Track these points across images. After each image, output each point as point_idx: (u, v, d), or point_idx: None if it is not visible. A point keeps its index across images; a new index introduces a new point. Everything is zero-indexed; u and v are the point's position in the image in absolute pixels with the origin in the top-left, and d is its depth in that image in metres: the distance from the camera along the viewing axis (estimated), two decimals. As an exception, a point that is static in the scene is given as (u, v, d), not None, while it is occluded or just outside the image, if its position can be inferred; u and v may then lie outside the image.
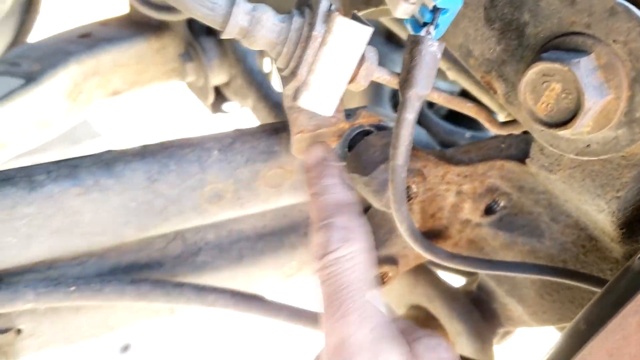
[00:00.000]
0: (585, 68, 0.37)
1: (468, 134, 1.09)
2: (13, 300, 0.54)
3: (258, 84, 1.04)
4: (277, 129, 0.59)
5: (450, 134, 1.09)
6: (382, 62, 0.45)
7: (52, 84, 1.02)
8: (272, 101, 1.04)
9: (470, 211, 0.65)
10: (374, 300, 0.46)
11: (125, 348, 1.81)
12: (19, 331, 0.60)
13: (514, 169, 0.59)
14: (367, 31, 0.40)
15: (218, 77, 1.11)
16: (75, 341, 0.64)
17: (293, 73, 0.41)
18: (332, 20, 0.39)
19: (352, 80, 0.43)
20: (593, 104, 0.37)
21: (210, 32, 1.11)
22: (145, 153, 0.53)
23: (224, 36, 0.40)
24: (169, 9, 1.03)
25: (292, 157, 0.57)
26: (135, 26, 1.17)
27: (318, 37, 0.39)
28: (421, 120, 1.12)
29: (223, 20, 0.39)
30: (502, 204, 0.64)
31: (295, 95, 0.42)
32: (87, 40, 1.11)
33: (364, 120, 0.56)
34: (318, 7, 0.39)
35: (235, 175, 0.57)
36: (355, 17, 0.41)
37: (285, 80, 0.43)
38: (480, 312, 0.76)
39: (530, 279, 0.68)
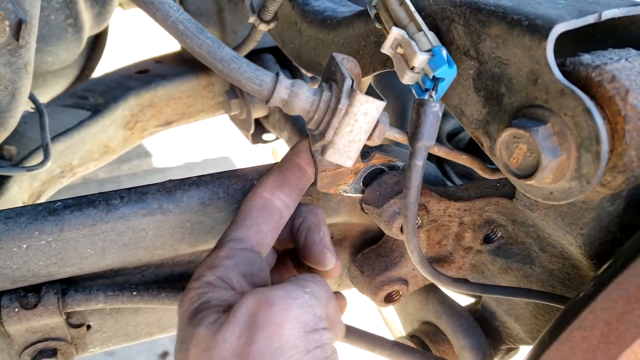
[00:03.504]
0: (542, 134, 0.47)
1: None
2: (87, 301, 0.67)
3: (294, 119, 1.16)
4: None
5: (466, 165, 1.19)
6: (405, 97, 0.56)
7: (114, 115, 1.17)
8: (304, 135, 1.16)
9: (471, 240, 0.75)
10: None
11: (164, 355, 1.93)
12: (88, 327, 0.72)
13: (507, 205, 0.70)
14: (381, 105, 0.51)
15: (259, 111, 1.24)
16: (133, 339, 0.76)
17: (321, 134, 0.53)
18: (354, 96, 0.50)
19: (369, 139, 0.54)
20: (549, 162, 0.47)
21: (253, 71, 1.24)
22: (200, 183, 0.66)
23: (268, 105, 0.52)
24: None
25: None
26: (186, 64, 1.31)
27: (342, 109, 0.51)
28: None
29: (268, 94, 0.51)
30: (499, 234, 0.74)
31: (323, 151, 0.53)
32: (145, 76, 1.26)
33: (377, 161, 0.67)
34: (343, 85, 0.51)
35: None
36: (371, 92, 0.53)
37: (314, 138, 0.55)
38: (483, 329, 0.86)
39: (525, 300, 0.77)
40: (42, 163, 0.83)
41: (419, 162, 0.55)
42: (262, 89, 0.51)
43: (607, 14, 0.49)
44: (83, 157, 1.12)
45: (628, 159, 0.47)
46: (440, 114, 0.54)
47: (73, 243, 0.61)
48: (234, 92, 1.24)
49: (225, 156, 2.61)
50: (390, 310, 1.85)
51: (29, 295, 0.63)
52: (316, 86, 0.56)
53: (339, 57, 0.58)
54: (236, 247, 0.55)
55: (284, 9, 0.96)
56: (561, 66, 0.49)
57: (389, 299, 0.77)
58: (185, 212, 0.65)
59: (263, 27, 0.95)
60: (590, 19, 0.49)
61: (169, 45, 1.49)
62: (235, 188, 0.66)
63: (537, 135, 0.48)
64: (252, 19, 0.95)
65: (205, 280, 0.51)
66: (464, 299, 0.97)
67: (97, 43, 1.35)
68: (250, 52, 1.09)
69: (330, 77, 0.55)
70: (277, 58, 1.25)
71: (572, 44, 0.55)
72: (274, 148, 2.57)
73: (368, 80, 1.10)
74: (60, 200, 0.62)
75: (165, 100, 1.27)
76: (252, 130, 1.26)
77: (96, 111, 1.14)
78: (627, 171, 0.47)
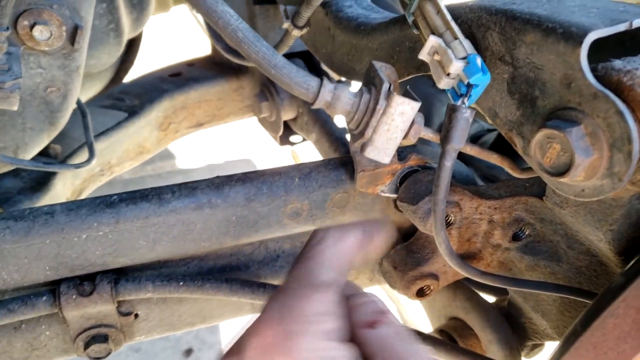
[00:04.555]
0: (576, 135, 0.51)
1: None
2: (137, 290, 0.71)
3: (322, 121, 1.20)
4: (344, 162, 0.75)
5: (490, 168, 1.22)
6: (430, 101, 0.60)
7: (149, 117, 1.21)
8: (333, 136, 1.20)
9: (500, 237, 0.78)
10: None
11: (188, 352, 1.98)
12: (136, 315, 0.77)
13: (535, 203, 0.73)
14: (416, 105, 0.55)
15: (288, 113, 1.28)
16: (176, 328, 0.80)
17: (361, 133, 0.56)
18: (391, 98, 0.54)
19: (405, 138, 0.58)
20: (582, 161, 0.51)
21: (282, 75, 1.28)
22: (245, 179, 0.70)
23: (314, 107, 0.56)
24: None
25: (354, 184, 0.73)
26: (217, 67, 1.36)
27: (380, 109, 0.55)
28: (466, 157, 1.25)
29: (313, 96, 0.55)
30: (527, 232, 0.77)
31: (362, 148, 0.57)
32: (178, 79, 1.31)
33: (413, 162, 0.71)
34: (381, 87, 0.55)
35: (311, 197, 0.72)
36: (407, 93, 0.57)
37: (354, 137, 0.59)
38: (510, 325, 0.89)
39: (552, 297, 0.80)
40: (88, 161, 0.87)
41: (448, 163, 0.58)
42: (308, 92, 0.55)
43: (638, 22, 0.52)
44: (120, 157, 1.16)
45: (660, 160, 0.50)
46: (471, 120, 0.57)
47: (127, 234, 0.66)
48: (264, 94, 1.28)
49: (247, 158, 2.66)
50: (411, 311, 1.87)
51: (85, 283, 0.67)
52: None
53: (378, 64, 0.61)
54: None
55: (317, 15, 1.00)
56: (593, 71, 0.53)
57: (420, 294, 0.80)
58: (231, 207, 0.69)
59: (296, 33, 0.99)
60: (622, 27, 0.52)
61: (200, 48, 1.54)
62: (277, 185, 0.70)
63: (571, 136, 0.51)
64: (286, 25, 0.99)
65: None
66: (489, 298, 1.00)
67: (131, 47, 1.40)
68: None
69: (369, 81, 0.59)
70: (307, 62, 1.29)
71: (603, 50, 0.58)
72: (294, 150, 2.61)
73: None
74: (116, 194, 0.66)
75: (197, 103, 1.31)
76: (280, 132, 1.30)
77: (133, 112, 1.18)
78: (661, 171, 0.51)
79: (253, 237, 0.73)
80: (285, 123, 1.35)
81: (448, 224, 0.72)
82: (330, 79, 1.33)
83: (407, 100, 0.55)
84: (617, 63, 0.52)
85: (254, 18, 1.24)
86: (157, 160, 2.56)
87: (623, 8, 0.56)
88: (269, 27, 1.23)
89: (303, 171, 0.71)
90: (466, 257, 0.82)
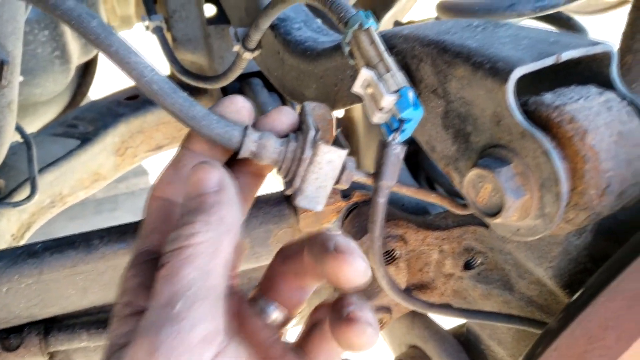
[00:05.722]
0: (505, 175, 0.48)
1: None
2: (70, 340, 0.68)
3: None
4: (287, 196, 0.72)
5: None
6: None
7: (104, 143, 1.18)
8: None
9: (452, 267, 0.76)
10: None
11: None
12: (74, 364, 0.74)
13: (484, 233, 0.71)
14: (343, 153, 0.53)
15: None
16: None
17: (290, 182, 0.54)
18: (317, 147, 0.52)
19: (337, 184, 0.55)
20: (512, 202, 0.48)
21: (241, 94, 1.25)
22: (179, 221, 0.67)
23: (239, 157, 0.53)
24: (205, 78, 1.18)
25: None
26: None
27: (307, 159, 0.52)
28: (430, 174, 1.23)
29: (237, 147, 0.52)
30: (479, 261, 0.75)
31: (293, 197, 0.54)
32: (134, 102, 1.28)
33: (357, 198, 0.68)
34: (307, 136, 0.52)
35: (252, 235, 0.70)
36: (336, 142, 0.54)
37: (287, 185, 0.56)
38: (469, 352, 0.87)
39: (507, 325, 0.78)
40: (29, 198, 0.84)
41: (381, 200, 0.56)
42: (231, 143, 0.53)
43: (566, 55, 0.50)
44: (73, 186, 1.13)
45: (588, 198, 0.48)
46: (402, 156, 0.55)
47: (54, 284, 0.63)
48: (222, 116, 1.25)
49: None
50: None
51: (11, 336, 0.64)
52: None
53: (310, 106, 0.59)
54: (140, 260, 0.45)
55: (267, 38, 0.97)
56: (524, 105, 0.50)
57: (372, 326, 0.78)
58: None
59: (248, 56, 0.97)
60: (549, 61, 0.50)
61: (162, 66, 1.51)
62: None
63: (501, 176, 0.49)
64: (236, 48, 0.97)
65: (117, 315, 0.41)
66: (451, 321, 0.98)
67: (87, 69, 1.37)
68: (239, 77, 1.10)
69: (300, 124, 0.57)
70: (266, 82, 1.26)
71: (540, 79, 0.56)
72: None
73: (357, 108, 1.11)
74: (41, 242, 0.63)
75: (155, 126, 1.28)
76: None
77: (85, 140, 1.15)
78: (589, 208, 0.48)
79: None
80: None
81: (393, 259, 0.70)
82: (290, 101, 1.31)
83: (333, 149, 0.53)
84: (547, 97, 0.50)
85: (209, 38, 1.21)
86: (130, 177, 2.52)
87: (554, 38, 0.54)
88: (225, 47, 1.21)
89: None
90: (420, 287, 0.79)
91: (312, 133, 0.54)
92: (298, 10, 0.97)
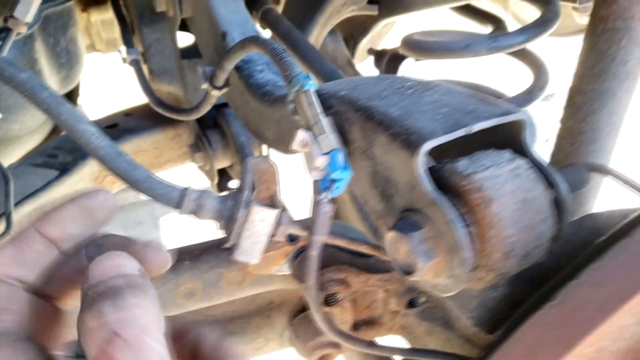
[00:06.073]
0: (417, 239, 0.53)
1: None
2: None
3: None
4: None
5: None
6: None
7: (82, 172, 1.23)
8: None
9: (397, 305, 0.80)
10: None
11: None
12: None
13: (424, 275, 0.75)
14: (275, 213, 0.57)
15: (222, 162, 1.30)
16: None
17: (228, 237, 0.59)
18: (250, 207, 0.57)
19: (273, 237, 0.60)
20: (422, 265, 0.53)
21: (216, 125, 1.30)
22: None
23: (180, 214, 0.58)
24: (178, 110, 1.23)
25: None
26: (154, 116, 1.37)
27: (241, 218, 0.57)
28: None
29: (177, 206, 0.57)
30: (422, 299, 0.79)
31: (230, 252, 0.59)
32: (113, 131, 1.32)
33: (303, 243, 0.73)
34: (241, 196, 0.57)
35: (203, 278, 0.74)
36: (272, 200, 0.59)
37: (227, 239, 0.61)
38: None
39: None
40: (3, 234, 0.89)
41: (314, 253, 0.61)
42: (171, 203, 0.58)
43: (477, 127, 0.54)
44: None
45: (494, 260, 0.52)
46: (331, 214, 0.59)
47: None
48: (197, 145, 1.30)
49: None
50: None
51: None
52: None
53: (252, 162, 0.64)
54: None
55: (233, 77, 1.02)
56: (437, 172, 0.55)
57: (322, 361, 0.82)
58: None
59: (215, 93, 1.02)
60: (461, 132, 0.54)
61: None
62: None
63: (412, 240, 0.53)
64: (204, 86, 1.02)
65: None
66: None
67: (69, 97, 1.42)
68: (214, 106, 1.15)
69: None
70: (239, 112, 1.30)
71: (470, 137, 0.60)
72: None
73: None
74: None
75: (133, 154, 1.33)
76: (215, 181, 1.32)
77: (64, 170, 1.20)
78: (495, 270, 0.53)
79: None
80: (224, 170, 1.37)
81: (337, 301, 0.74)
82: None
83: (265, 209, 0.57)
84: (461, 164, 0.54)
85: (183, 71, 1.26)
86: (121, 192, 2.56)
87: (472, 107, 0.58)
88: (197, 80, 1.25)
89: (194, 253, 0.73)
90: (369, 322, 0.84)
91: (246, 193, 0.59)
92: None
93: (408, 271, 0.55)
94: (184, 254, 0.73)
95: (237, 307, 0.83)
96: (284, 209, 0.60)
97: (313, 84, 0.67)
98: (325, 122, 0.64)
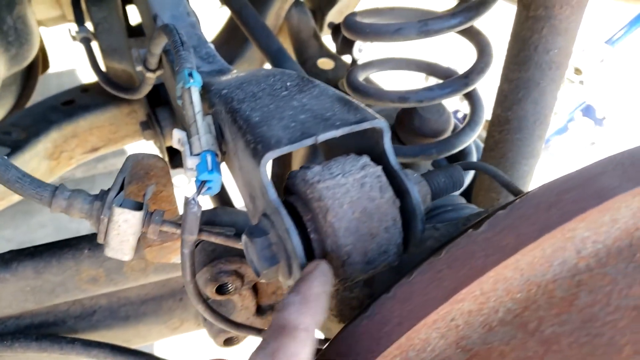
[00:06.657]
0: (261, 245, 0.55)
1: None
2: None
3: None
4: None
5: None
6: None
7: (35, 149, 1.26)
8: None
9: (299, 292, 0.83)
10: None
11: None
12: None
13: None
14: (138, 214, 0.60)
15: (171, 140, 1.32)
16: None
17: (99, 235, 0.62)
18: (112, 209, 0.59)
19: (145, 234, 0.63)
20: (263, 269, 0.55)
21: (167, 103, 1.32)
22: (35, 253, 0.75)
23: (51, 212, 0.61)
24: (124, 89, 1.24)
25: None
26: (110, 93, 1.39)
27: (105, 218, 0.60)
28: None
29: (48, 204, 0.60)
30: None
31: (103, 247, 0.62)
32: (68, 108, 1.35)
33: (202, 237, 0.76)
34: (106, 197, 0.60)
35: (105, 266, 0.78)
36: (138, 204, 0.61)
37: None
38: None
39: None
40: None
41: (186, 251, 0.63)
42: (43, 201, 0.60)
43: (323, 137, 0.55)
44: (4, 192, 1.22)
45: (334, 267, 0.54)
46: (199, 214, 0.61)
47: None
48: (147, 123, 1.32)
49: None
50: None
51: None
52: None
53: (133, 158, 0.66)
54: None
55: (163, 61, 1.03)
56: (292, 178, 0.57)
57: (228, 343, 0.86)
58: (22, 279, 0.74)
59: (150, 75, 1.03)
60: (309, 142, 0.55)
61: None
62: (66, 257, 0.75)
63: (256, 246, 0.55)
64: (139, 68, 1.03)
65: None
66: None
67: (30, 72, 1.44)
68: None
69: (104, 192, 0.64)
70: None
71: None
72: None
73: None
74: None
75: (89, 130, 1.36)
76: (166, 158, 1.35)
77: (16, 147, 1.23)
78: (337, 275, 0.55)
79: (56, 301, 0.79)
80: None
81: (228, 291, 0.77)
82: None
83: (126, 211, 0.60)
84: (311, 172, 0.56)
85: (131, 50, 1.27)
86: (109, 158, 2.61)
87: (332, 113, 0.59)
88: (145, 59, 1.26)
89: (93, 242, 0.76)
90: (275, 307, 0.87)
91: (111, 195, 0.61)
92: (191, 35, 1.02)
93: (257, 273, 0.58)
94: (83, 242, 0.76)
95: (149, 290, 0.87)
96: (149, 211, 0.63)
97: (196, 81, 0.68)
98: (201, 122, 0.65)
